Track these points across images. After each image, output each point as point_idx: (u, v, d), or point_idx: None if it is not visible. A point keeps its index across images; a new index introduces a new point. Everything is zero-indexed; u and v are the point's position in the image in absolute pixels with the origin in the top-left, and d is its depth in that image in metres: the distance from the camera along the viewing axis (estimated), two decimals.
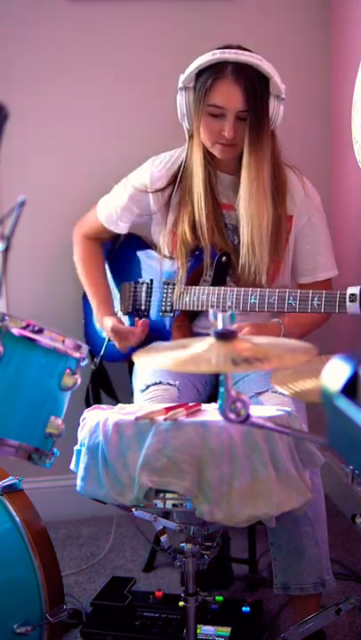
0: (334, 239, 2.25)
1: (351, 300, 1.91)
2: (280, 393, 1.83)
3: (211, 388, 2.17)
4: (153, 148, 2.23)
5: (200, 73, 2.00)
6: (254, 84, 1.97)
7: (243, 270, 2.08)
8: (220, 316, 1.25)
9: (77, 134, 2.60)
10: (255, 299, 2.00)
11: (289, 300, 1.97)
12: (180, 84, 2.03)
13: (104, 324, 2.21)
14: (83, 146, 2.60)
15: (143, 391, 1.99)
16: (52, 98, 2.55)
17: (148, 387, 1.98)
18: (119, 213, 2.24)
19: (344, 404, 0.88)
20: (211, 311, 1.26)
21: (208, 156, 2.08)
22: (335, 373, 0.90)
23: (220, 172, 2.12)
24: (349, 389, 0.89)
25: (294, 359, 1.24)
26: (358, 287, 1.91)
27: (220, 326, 1.25)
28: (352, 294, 1.90)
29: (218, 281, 2.11)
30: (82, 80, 2.57)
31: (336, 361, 0.91)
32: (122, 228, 2.27)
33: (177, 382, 1.97)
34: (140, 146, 2.30)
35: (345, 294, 1.91)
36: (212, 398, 2.10)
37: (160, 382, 1.98)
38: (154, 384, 1.98)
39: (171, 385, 1.96)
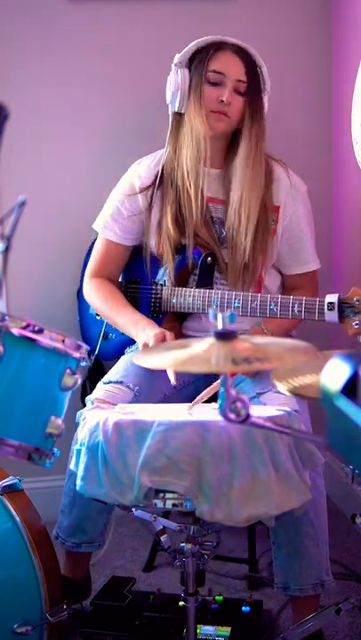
0: (334, 239, 2.25)
1: (329, 309, 1.89)
2: (282, 393, 1.82)
3: (193, 388, 2.06)
4: (153, 147, 2.22)
5: (197, 52, 2.07)
6: (251, 62, 2.06)
7: (232, 258, 2.07)
8: (219, 315, 1.24)
9: (77, 134, 2.59)
10: (238, 302, 1.99)
11: (270, 305, 1.97)
12: (176, 61, 2.07)
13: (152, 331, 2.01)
14: (83, 145, 2.60)
15: (105, 383, 2.01)
16: (51, 98, 2.55)
17: (110, 382, 2.01)
18: (113, 220, 2.20)
19: (344, 404, 0.88)
20: (211, 311, 1.26)
21: (196, 145, 2.06)
22: (335, 373, 0.90)
23: (207, 166, 2.09)
24: (349, 389, 0.88)
25: (294, 359, 1.24)
26: (336, 295, 1.89)
27: (220, 326, 1.25)
28: (330, 303, 1.89)
29: (203, 282, 2.10)
30: (82, 80, 2.57)
31: (336, 361, 0.91)
32: (121, 238, 2.19)
33: (136, 388, 1.98)
34: (140, 145, 2.29)
35: (323, 302, 1.90)
36: (189, 400, 1.88)
37: (121, 382, 1.99)
38: (116, 382, 2.00)
39: (129, 388, 1.98)
